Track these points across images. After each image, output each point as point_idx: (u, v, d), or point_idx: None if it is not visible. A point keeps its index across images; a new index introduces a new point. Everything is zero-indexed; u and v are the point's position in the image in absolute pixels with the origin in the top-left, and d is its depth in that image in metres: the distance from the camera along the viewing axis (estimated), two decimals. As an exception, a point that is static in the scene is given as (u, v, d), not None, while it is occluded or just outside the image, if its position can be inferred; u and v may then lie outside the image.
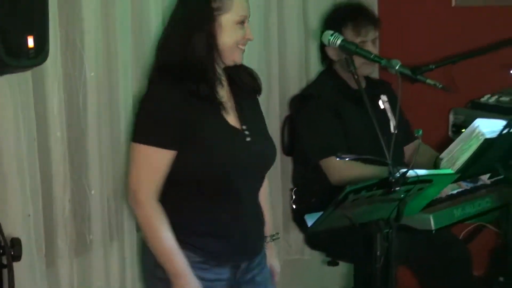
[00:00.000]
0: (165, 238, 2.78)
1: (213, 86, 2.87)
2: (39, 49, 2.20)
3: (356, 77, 3.13)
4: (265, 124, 3.20)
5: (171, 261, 2.79)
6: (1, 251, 2.21)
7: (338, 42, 3.12)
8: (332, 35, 3.19)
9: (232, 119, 2.96)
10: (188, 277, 2.78)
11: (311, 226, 2.76)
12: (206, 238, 2.90)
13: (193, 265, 2.83)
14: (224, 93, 2.96)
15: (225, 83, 2.99)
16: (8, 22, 2.06)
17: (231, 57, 2.91)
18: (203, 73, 2.84)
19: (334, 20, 3.94)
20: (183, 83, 2.81)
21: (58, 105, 2.82)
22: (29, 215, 2.67)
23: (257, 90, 3.14)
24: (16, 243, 2.23)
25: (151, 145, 2.77)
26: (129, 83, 3.18)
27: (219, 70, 2.94)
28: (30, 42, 2.14)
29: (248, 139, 2.97)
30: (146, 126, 2.84)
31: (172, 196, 2.84)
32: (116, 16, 3.09)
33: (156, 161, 2.80)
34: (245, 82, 3.08)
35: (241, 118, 3.00)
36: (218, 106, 2.88)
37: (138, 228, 3.21)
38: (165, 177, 2.82)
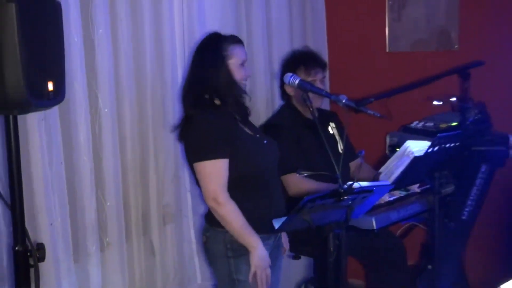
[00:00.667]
0: (245, 223, 2.95)
1: (239, 109, 3.10)
2: (57, 92, 2.22)
3: (311, 109, 3.17)
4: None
5: (251, 237, 2.95)
6: (28, 254, 2.26)
7: (297, 81, 3.14)
8: (292, 76, 3.18)
9: (248, 130, 3.14)
10: (261, 246, 2.97)
11: (278, 228, 2.80)
12: (257, 220, 2.99)
13: None
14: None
15: None
16: (32, 70, 2.06)
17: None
18: (231, 101, 3.06)
19: (290, 63, 3.92)
20: (220, 109, 3.04)
21: (85, 134, 2.84)
22: (51, 224, 2.64)
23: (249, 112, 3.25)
24: (40, 247, 2.31)
25: (218, 158, 2.92)
26: (134, 117, 3.18)
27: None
28: (50, 86, 2.17)
29: (264, 141, 3.18)
30: (209, 146, 2.94)
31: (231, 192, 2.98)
32: (122, 66, 3.08)
33: (224, 169, 2.94)
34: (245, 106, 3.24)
35: (251, 129, 3.18)
36: (241, 122, 3.11)
37: (144, 232, 3.26)
38: None
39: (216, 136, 2.96)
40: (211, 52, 3.08)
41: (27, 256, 2.26)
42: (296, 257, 4.05)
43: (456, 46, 4.64)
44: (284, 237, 3.40)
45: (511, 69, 4.45)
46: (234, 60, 3.08)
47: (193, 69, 3.13)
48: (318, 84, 3.82)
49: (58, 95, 2.25)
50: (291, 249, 3.78)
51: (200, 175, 2.99)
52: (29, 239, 2.28)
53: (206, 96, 3.05)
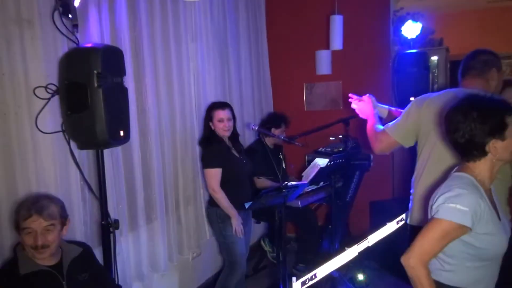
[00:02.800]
0: (229, 203, 2.97)
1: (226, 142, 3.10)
2: (125, 136, 2.18)
3: (266, 143, 3.16)
4: (252, 158, 3.34)
5: (232, 211, 2.97)
6: (109, 225, 2.21)
7: (256, 128, 3.10)
8: (253, 125, 3.10)
9: (235, 153, 3.14)
10: (237, 215, 2.99)
11: (248, 207, 2.79)
12: (235, 201, 3.00)
13: None
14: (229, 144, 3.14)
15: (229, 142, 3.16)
16: (111, 124, 2.03)
17: (221, 134, 3.09)
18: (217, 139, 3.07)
19: (277, 120, 3.89)
20: (216, 143, 3.04)
21: (137, 154, 2.75)
22: (120, 206, 2.59)
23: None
24: (116, 222, 2.24)
25: (215, 167, 2.97)
26: (169, 145, 3.06)
27: (224, 138, 3.12)
28: (121, 133, 2.13)
29: (244, 160, 3.15)
30: (212, 160, 2.98)
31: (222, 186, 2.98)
32: (162, 119, 2.96)
33: (218, 174, 2.97)
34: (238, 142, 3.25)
35: (237, 152, 3.17)
36: (230, 150, 3.10)
37: (176, 210, 3.13)
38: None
39: (217, 156, 3.00)
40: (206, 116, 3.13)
41: (108, 227, 2.19)
42: (258, 222, 4.00)
43: (341, 107, 4.63)
44: None
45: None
46: (215, 118, 3.06)
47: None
48: (281, 131, 3.82)
49: (126, 138, 2.20)
50: (255, 218, 3.74)
51: (206, 176, 2.99)
52: (109, 217, 2.22)
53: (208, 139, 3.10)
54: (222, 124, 3.05)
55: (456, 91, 2.16)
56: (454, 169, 1.71)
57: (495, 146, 1.58)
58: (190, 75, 3.30)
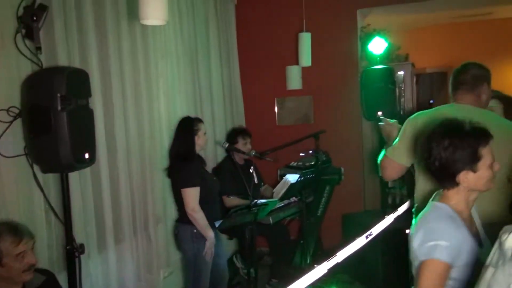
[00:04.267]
0: (207, 223, 2.91)
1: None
2: (91, 159, 2.13)
3: (235, 160, 3.15)
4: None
5: (208, 231, 2.91)
6: (74, 250, 2.15)
7: (226, 146, 3.12)
8: (224, 143, 3.17)
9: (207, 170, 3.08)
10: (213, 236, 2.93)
11: (218, 226, 2.77)
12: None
13: None
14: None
15: None
16: (76, 147, 1.99)
17: (203, 147, 3.13)
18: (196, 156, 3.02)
19: (232, 135, 3.87)
20: (193, 161, 2.99)
21: (106, 177, 2.69)
22: (88, 228, 2.53)
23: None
24: (81, 246, 2.18)
25: (195, 186, 2.91)
26: (138, 166, 3.01)
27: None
28: (87, 155, 2.09)
29: (214, 178, 3.12)
30: (192, 179, 2.92)
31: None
32: (131, 137, 2.92)
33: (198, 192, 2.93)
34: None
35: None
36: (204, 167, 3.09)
37: (145, 229, 3.07)
38: None
39: (195, 174, 2.96)
40: (187, 132, 3.05)
41: (74, 252, 2.13)
42: (230, 238, 3.97)
43: (312, 122, 4.68)
44: None
45: (341, 133, 4.51)
46: (200, 132, 3.03)
47: (175, 139, 3.09)
48: (248, 145, 3.81)
49: (92, 160, 2.15)
50: (226, 234, 3.71)
51: (185, 195, 2.94)
52: (74, 241, 2.16)
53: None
54: (205, 137, 3.05)
55: (447, 109, 2.16)
56: (433, 195, 1.68)
57: (467, 177, 1.53)
58: (160, 92, 3.28)
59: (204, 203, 2.96)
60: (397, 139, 2.22)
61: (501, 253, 1.15)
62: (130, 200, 2.92)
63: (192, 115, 3.37)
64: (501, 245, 1.16)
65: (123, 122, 2.85)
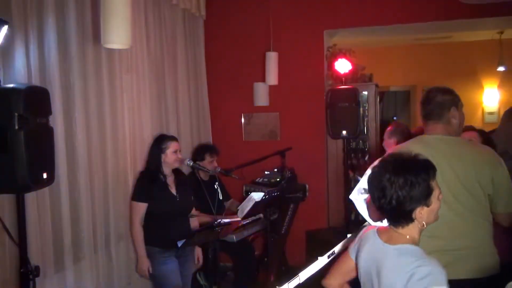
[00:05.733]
0: (141, 242, 2.89)
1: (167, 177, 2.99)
2: (49, 178, 2.05)
3: (199, 176, 3.13)
4: (190, 192, 3.16)
5: (141, 249, 2.89)
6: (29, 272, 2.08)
7: (191, 164, 3.10)
8: (188, 160, 3.14)
9: (172, 190, 2.99)
10: (145, 257, 2.90)
11: (180, 246, 2.74)
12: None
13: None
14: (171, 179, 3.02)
15: (171, 176, 3.03)
16: (33, 167, 1.93)
17: (173, 165, 3.01)
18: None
19: (200, 151, 3.79)
20: (150, 179, 2.93)
21: (66, 196, 2.64)
22: (45, 248, 2.48)
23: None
24: (36, 268, 2.08)
25: (139, 202, 2.88)
26: (101, 184, 2.97)
27: (168, 172, 3.01)
28: (45, 175, 2.02)
29: (178, 199, 2.99)
30: (137, 193, 2.91)
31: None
32: (92, 155, 2.89)
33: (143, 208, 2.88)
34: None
35: (177, 189, 3.01)
36: (166, 187, 2.97)
37: (106, 247, 2.99)
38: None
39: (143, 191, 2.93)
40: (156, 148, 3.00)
41: (28, 274, 2.04)
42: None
43: (279, 138, 4.73)
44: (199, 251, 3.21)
45: (306, 150, 4.57)
46: (169, 149, 2.97)
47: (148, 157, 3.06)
48: (215, 162, 3.76)
49: (50, 180, 2.08)
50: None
51: (130, 208, 2.97)
52: (29, 264, 2.08)
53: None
54: (175, 156, 2.99)
55: (425, 144, 2.11)
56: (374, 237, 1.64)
57: (421, 212, 1.53)
58: (124, 108, 3.24)
59: (154, 222, 2.90)
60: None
61: None
62: (91, 217, 2.86)
63: (165, 132, 3.36)
64: None
65: (85, 139, 2.81)
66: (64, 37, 2.62)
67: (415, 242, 1.55)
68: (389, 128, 3.32)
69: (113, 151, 3.08)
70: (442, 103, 2.13)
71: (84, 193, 2.79)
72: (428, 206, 1.52)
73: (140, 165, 3.30)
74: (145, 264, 2.88)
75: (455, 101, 2.15)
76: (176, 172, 3.10)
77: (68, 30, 2.64)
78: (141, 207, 2.89)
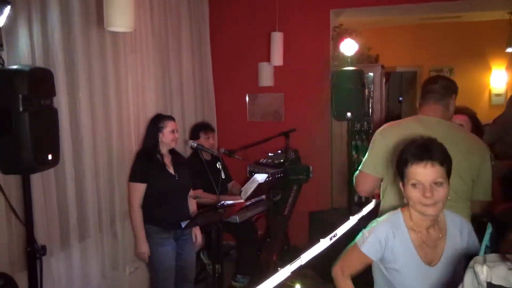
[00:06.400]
0: (140, 223, 2.86)
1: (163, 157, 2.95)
2: (54, 160, 2.08)
3: (201, 155, 3.14)
4: (189, 173, 3.13)
5: (140, 232, 2.86)
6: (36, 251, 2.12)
7: (194, 145, 3.10)
8: (192, 142, 3.12)
9: (169, 170, 2.97)
10: (145, 240, 2.87)
11: (184, 227, 2.77)
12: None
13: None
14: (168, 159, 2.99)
15: (168, 156, 3.02)
16: (38, 148, 1.95)
17: (170, 145, 2.98)
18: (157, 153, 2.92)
19: (194, 131, 3.83)
20: (148, 158, 2.91)
21: (71, 175, 2.66)
22: (51, 227, 2.50)
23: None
24: (43, 248, 2.12)
25: (137, 182, 2.85)
26: (105, 165, 2.99)
27: (165, 151, 2.98)
28: (50, 156, 2.04)
29: (177, 178, 2.97)
30: (135, 174, 2.88)
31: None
32: (97, 135, 2.90)
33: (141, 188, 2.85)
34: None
35: (175, 169, 3.00)
36: (163, 166, 2.94)
37: (111, 225, 3.02)
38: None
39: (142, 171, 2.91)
40: (153, 127, 2.98)
41: (35, 253, 2.09)
42: None
43: (283, 119, 4.71)
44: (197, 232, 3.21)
45: (310, 131, 4.56)
46: (166, 129, 2.95)
47: (145, 136, 3.04)
48: (211, 140, 3.79)
49: (55, 161, 2.10)
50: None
51: (128, 189, 2.95)
52: (36, 243, 2.13)
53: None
54: (172, 135, 2.99)
55: (414, 124, 2.15)
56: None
57: (405, 190, 1.62)
58: (129, 88, 3.24)
59: (153, 202, 2.89)
60: (368, 152, 2.24)
61: (478, 285, 1.22)
62: (96, 197, 2.90)
63: (162, 112, 3.33)
64: (476, 276, 1.22)
65: (90, 119, 2.82)
66: (68, 17, 2.59)
67: (414, 225, 1.66)
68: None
69: (117, 131, 3.09)
70: (447, 86, 2.18)
71: (89, 172, 2.81)
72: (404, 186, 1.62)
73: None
74: (144, 247, 2.87)
75: (456, 90, 2.21)
76: (173, 152, 3.09)
77: (71, 10, 2.61)
78: (140, 188, 2.86)
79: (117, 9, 1.93)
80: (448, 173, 1.59)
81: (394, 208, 1.81)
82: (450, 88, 2.18)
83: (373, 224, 1.72)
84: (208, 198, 3.52)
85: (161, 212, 2.90)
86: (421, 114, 2.21)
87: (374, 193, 2.43)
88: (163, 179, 2.94)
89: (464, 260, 1.64)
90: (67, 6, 2.58)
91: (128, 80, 3.22)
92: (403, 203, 1.72)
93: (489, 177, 2.07)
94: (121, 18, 1.95)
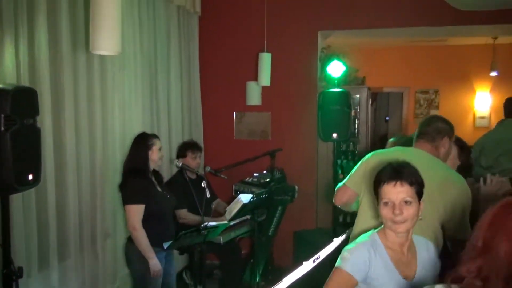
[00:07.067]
0: (148, 244, 2.78)
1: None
2: (35, 180, 2.05)
3: (187, 177, 3.13)
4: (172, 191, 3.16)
5: (150, 252, 2.78)
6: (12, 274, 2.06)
7: (180, 164, 3.09)
8: (177, 161, 3.13)
9: (158, 188, 2.98)
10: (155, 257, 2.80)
11: (166, 248, 2.75)
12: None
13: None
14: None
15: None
16: (19, 168, 1.93)
17: (157, 163, 3.00)
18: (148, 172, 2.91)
19: (182, 149, 3.81)
20: (142, 177, 2.87)
21: (53, 199, 2.64)
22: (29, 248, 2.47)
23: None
24: (20, 269, 2.07)
25: (138, 204, 2.79)
26: (87, 183, 2.97)
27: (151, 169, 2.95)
28: (30, 176, 2.01)
29: (167, 196, 3.01)
30: (135, 196, 2.81)
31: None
32: (81, 153, 2.89)
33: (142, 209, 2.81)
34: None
35: (161, 188, 3.01)
36: (154, 184, 2.95)
37: (92, 245, 2.99)
38: None
39: (139, 191, 2.86)
40: (141, 146, 2.94)
41: (11, 275, 2.04)
42: (180, 253, 3.89)
43: (270, 138, 4.73)
44: None
45: (297, 151, 4.58)
46: (154, 147, 2.94)
47: (129, 154, 2.97)
48: (198, 159, 3.78)
49: (36, 181, 2.07)
50: (179, 251, 3.68)
51: (127, 212, 2.83)
52: (13, 265, 2.08)
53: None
54: (160, 153, 2.99)
55: (405, 150, 2.28)
56: None
57: (379, 209, 1.69)
58: (115, 106, 3.23)
59: (152, 222, 2.86)
60: (353, 170, 2.33)
61: None
62: (77, 215, 2.86)
63: (149, 130, 3.33)
64: None
65: (74, 138, 2.80)
66: (55, 35, 2.59)
67: (390, 244, 1.73)
68: (392, 139, 3.32)
69: (102, 150, 3.07)
70: (440, 129, 2.27)
71: (72, 190, 2.78)
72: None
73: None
74: (158, 265, 2.81)
75: (450, 132, 2.29)
76: (154, 171, 3.07)
77: (59, 29, 2.61)
78: (141, 209, 2.81)
79: (103, 32, 1.92)
80: (419, 195, 1.68)
81: (365, 231, 1.87)
82: (442, 131, 2.27)
83: (351, 246, 1.76)
84: (191, 218, 3.51)
85: (153, 231, 2.85)
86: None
87: None
88: (157, 198, 2.93)
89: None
90: (55, 26, 2.58)
91: (114, 98, 3.21)
92: (375, 227, 1.81)
93: (465, 216, 2.08)
94: (107, 42, 1.95)
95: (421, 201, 1.68)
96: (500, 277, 1.02)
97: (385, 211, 1.67)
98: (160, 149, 2.99)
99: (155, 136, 3.04)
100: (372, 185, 1.77)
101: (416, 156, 2.15)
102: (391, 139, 3.30)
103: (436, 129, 2.26)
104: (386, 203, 1.66)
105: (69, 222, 2.77)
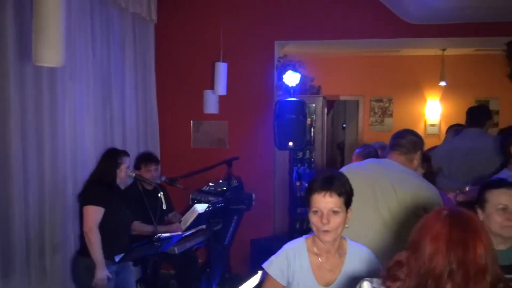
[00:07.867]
0: (100, 248, 2.71)
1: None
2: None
3: (141, 188, 3.08)
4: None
5: (99, 256, 2.70)
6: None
7: (133, 175, 3.06)
8: (131, 171, 3.11)
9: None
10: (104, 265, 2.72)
11: (118, 261, 2.70)
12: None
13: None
14: None
15: None
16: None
17: (123, 180, 3.02)
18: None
19: (137, 161, 3.72)
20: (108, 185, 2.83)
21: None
22: None
23: None
24: None
25: (98, 206, 2.74)
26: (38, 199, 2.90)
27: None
28: None
29: (127, 212, 2.98)
30: (96, 198, 2.76)
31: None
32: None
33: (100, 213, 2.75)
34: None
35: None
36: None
37: (41, 259, 2.88)
38: None
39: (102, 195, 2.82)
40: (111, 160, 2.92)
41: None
42: (134, 265, 3.81)
43: (227, 146, 4.74)
44: None
45: (254, 159, 4.62)
46: (123, 165, 2.93)
47: (98, 167, 2.94)
48: (153, 172, 3.69)
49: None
50: (133, 263, 3.62)
51: (85, 213, 2.77)
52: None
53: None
54: (127, 172, 2.96)
55: (379, 162, 2.34)
56: None
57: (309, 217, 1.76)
58: (65, 116, 3.16)
59: (106, 232, 2.80)
60: None
61: None
62: (24, 228, 2.78)
63: (102, 141, 3.28)
64: None
65: (21, 148, 2.73)
66: (0, 46, 2.51)
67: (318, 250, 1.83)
68: (357, 150, 3.41)
69: (51, 162, 3.00)
70: (415, 142, 2.34)
71: (18, 203, 2.71)
72: None
73: (81, 175, 3.21)
74: (104, 272, 2.73)
75: (422, 147, 2.37)
76: (117, 187, 3.05)
77: (3, 40, 2.54)
78: (99, 212, 2.75)
79: (46, 44, 1.87)
80: (347, 204, 1.75)
81: None
82: (417, 145, 2.33)
83: (279, 250, 1.86)
84: (144, 230, 3.46)
85: (108, 242, 2.79)
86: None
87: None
88: (117, 209, 2.88)
89: None
90: (0, 36, 2.50)
91: (65, 109, 3.14)
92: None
93: None
94: (50, 54, 1.90)
95: (348, 210, 1.75)
96: (420, 273, 1.16)
97: (314, 219, 1.73)
98: (128, 167, 2.97)
99: (125, 154, 3.01)
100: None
101: (391, 167, 2.26)
102: (357, 151, 3.39)
103: (411, 142, 2.33)
104: (315, 212, 1.72)
105: (14, 235, 2.68)
